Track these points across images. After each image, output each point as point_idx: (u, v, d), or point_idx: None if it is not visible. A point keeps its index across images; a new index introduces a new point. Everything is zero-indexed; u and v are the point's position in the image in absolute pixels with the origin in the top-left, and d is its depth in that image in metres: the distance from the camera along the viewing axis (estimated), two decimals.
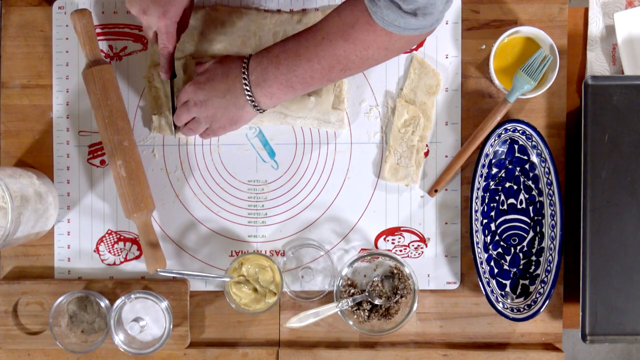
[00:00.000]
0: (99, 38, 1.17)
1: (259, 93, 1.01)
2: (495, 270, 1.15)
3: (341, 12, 0.95)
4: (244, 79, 1.01)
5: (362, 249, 1.17)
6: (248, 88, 1.01)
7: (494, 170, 1.15)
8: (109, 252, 1.17)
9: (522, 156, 1.14)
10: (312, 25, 1.00)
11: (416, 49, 1.16)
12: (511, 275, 1.15)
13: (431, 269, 1.16)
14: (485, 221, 1.15)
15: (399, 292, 1.13)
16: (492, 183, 1.15)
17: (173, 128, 1.15)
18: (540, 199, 1.14)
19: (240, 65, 1.02)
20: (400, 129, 1.15)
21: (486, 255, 1.14)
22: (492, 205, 1.15)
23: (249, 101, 1.03)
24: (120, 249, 1.17)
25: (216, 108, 1.04)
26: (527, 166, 1.14)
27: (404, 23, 0.90)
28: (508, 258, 1.15)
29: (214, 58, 1.11)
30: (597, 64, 1.17)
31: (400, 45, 0.95)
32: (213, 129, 1.07)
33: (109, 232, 1.17)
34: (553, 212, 1.12)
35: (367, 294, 1.13)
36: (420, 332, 1.17)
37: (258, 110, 1.04)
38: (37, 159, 1.18)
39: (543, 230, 1.14)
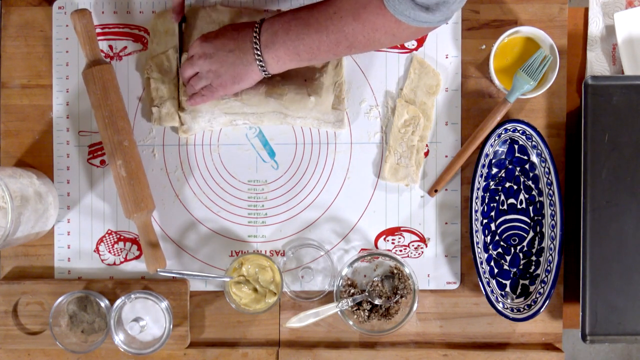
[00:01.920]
0: (99, 38, 1.17)
1: (267, 54, 1.02)
2: (495, 270, 1.15)
3: None
4: (255, 37, 1.02)
5: (362, 249, 1.17)
6: (258, 47, 1.02)
7: (494, 170, 1.15)
8: (109, 252, 1.17)
9: (522, 156, 1.14)
10: None
11: (416, 49, 1.16)
12: (511, 275, 1.15)
13: (431, 269, 1.16)
14: (485, 221, 1.15)
15: (399, 292, 1.13)
16: (492, 183, 1.15)
17: (178, 83, 1.14)
18: (540, 199, 1.14)
19: (253, 25, 1.03)
20: (400, 129, 1.15)
21: (486, 255, 1.14)
22: (492, 205, 1.15)
23: (257, 60, 1.02)
24: (120, 249, 1.17)
25: (222, 62, 1.04)
26: (527, 166, 1.14)
27: (414, 15, 0.91)
28: (508, 258, 1.15)
29: None
30: (597, 64, 1.17)
31: (407, 34, 0.96)
32: (214, 86, 1.07)
33: (109, 232, 1.17)
34: (553, 212, 1.12)
35: (367, 294, 1.13)
36: (420, 332, 1.17)
37: (264, 72, 1.04)
38: (37, 159, 1.18)
39: (543, 230, 1.14)
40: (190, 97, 1.10)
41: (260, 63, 1.02)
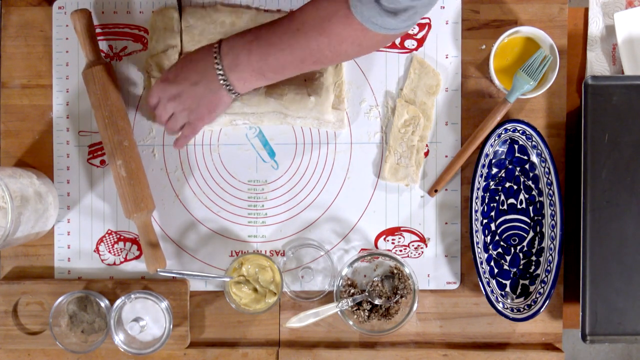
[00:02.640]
0: (99, 38, 1.17)
1: (232, 77, 1.00)
2: (495, 270, 1.15)
3: (319, 3, 0.94)
4: (216, 63, 1.00)
5: (362, 249, 1.17)
6: (222, 72, 1.00)
7: (494, 170, 1.15)
8: (109, 252, 1.17)
9: (522, 156, 1.14)
10: (288, 14, 0.98)
11: (416, 49, 1.16)
12: (511, 275, 1.15)
13: (431, 269, 1.16)
14: (485, 221, 1.15)
15: (399, 292, 1.13)
16: (492, 183, 1.15)
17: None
18: (540, 199, 1.14)
19: (211, 51, 1.01)
20: (400, 129, 1.15)
21: (486, 255, 1.14)
22: (492, 205, 1.15)
23: (224, 85, 1.01)
24: (120, 249, 1.17)
25: (192, 98, 1.03)
26: (527, 166, 1.14)
27: (382, 21, 0.89)
28: (508, 258, 1.15)
29: None
30: (597, 64, 1.17)
31: (373, 42, 0.95)
32: (192, 122, 1.06)
33: (109, 232, 1.17)
34: (553, 212, 1.12)
35: (367, 294, 1.13)
36: (420, 332, 1.17)
37: (233, 94, 1.03)
38: (37, 159, 1.18)
39: (543, 230, 1.14)
40: (175, 142, 1.10)
41: (228, 87, 1.01)
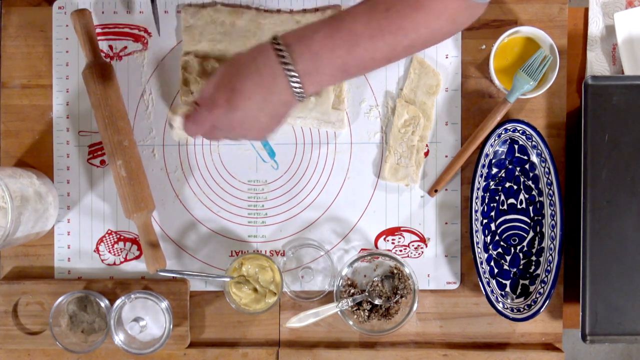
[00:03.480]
0: (99, 38, 1.17)
1: (308, 82, 0.84)
2: (495, 270, 1.15)
3: None
4: (288, 70, 0.83)
5: (362, 249, 1.17)
6: (297, 79, 0.84)
7: (494, 170, 1.15)
8: (109, 252, 1.17)
9: (522, 156, 1.14)
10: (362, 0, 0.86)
11: None
12: (511, 275, 1.15)
13: (431, 269, 1.16)
14: (485, 221, 1.15)
15: (399, 292, 1.13)
16: (492, 183, 1.15)
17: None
18: (540, 199, 1.14)
19: (274, 56, 0.83)
20: (400, 129, 1.15)
21: (486, 255, 1.14)
22: (492, 205, 1.15)
23: (296, 94, 0.85)
24: (120, 249, 1.17)
25: (257, 120, 0.86)
26: (527, 166, 1.14)
27: None
28: (508, 258, 1.15)
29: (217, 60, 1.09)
30: (597, 64, 1.17)
31: (466, 16, 0.88)
32: (247, 137, 0.90)
33: (109, 232, 1.17)
34: (553, 212, 1.12)
35: (367, 294, 1.13)
36: (420, 332, 1.17)
37: (301, 101, 0.87)
38: (37, 159, 1.18)
39: (543, 230, 1.14)
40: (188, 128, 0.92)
41: (300, 95, 0.85)
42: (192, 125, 0.89)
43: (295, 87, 0.84)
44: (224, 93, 0.85)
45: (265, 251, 1.17)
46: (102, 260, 1.17)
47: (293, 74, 0.83)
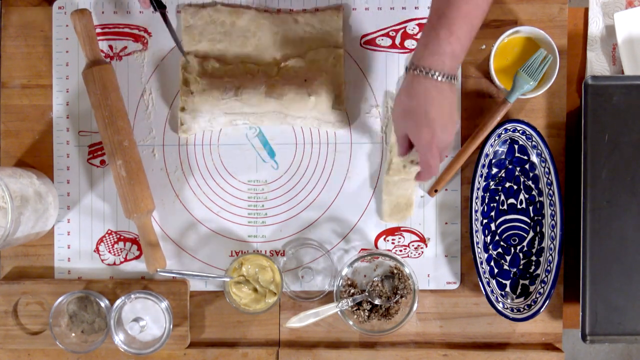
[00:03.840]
0: (99, 38, 1.17)
1: (455, 73, 0.96)
2: (495, 270, 1.15)
3: None
4: (447, 78, 0.94)
5: (362, 249, 1.17)
6: (450, 80, 0.95)
7: (494, 170, 1.15)
8: (109, 252, 1.17)
9: (522, 156, 1.14)
10: None
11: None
12: (511, 275, 1.15)
13: (431, 269, 1.16)
14: (485, 221, 1.15)
15: (399, 292, 1.13)
16: (492, 183, 1.15)
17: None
18: (540, 199, 1.14)
19: (431, 78, 0.94)
20: None
21: (486, 255, 1.14)
22: (492, 205, 1.15)
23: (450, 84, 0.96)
24: (120, 249, 1.17)
25: (447, 128, 0.97)
26: (527, 166, 1.14)
27: None
28: (508, 258, 1.15)
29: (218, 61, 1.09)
30: (597, 64, 1.17)
31: None
32: (447, 144, 1.00)
33: (109, 232, 1.17)
34: (553, 212, 1.12)
35: (367, 294, 1.13)
36: (420, 332, 1.17)
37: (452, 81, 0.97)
38: (37, 159, 1.18)
39: (543, 230, 1.14)
40: (421, 175, 1.03)
41: (453, 80, 0.96)
42: (432, 172, 1.00)
43: (449, 81, 0.95)
44: (427, 133, 0.96)
45: (265, 251, 1.17)
46: (102, 260, 1.17)
47: (442, 78, 0.94)
